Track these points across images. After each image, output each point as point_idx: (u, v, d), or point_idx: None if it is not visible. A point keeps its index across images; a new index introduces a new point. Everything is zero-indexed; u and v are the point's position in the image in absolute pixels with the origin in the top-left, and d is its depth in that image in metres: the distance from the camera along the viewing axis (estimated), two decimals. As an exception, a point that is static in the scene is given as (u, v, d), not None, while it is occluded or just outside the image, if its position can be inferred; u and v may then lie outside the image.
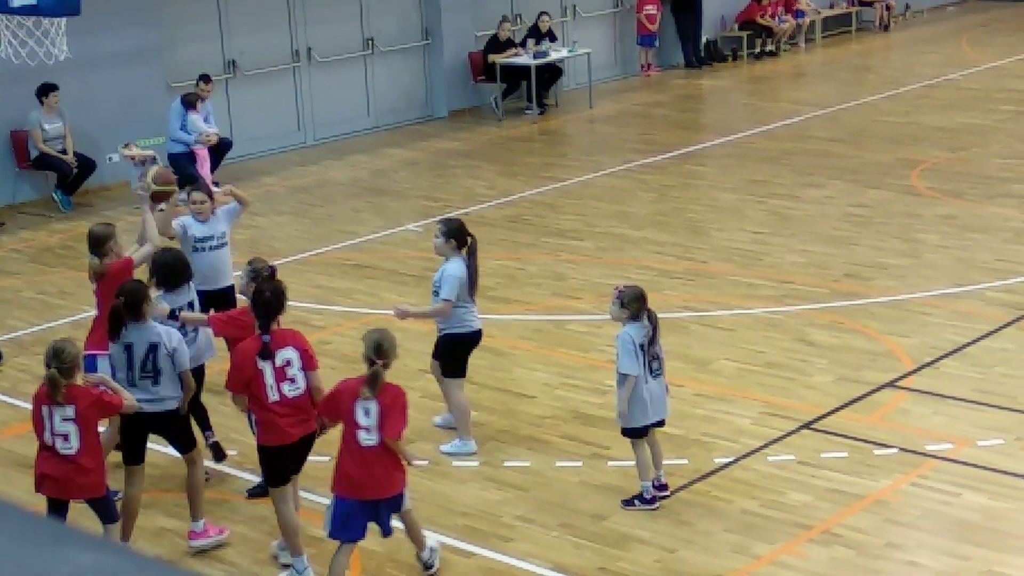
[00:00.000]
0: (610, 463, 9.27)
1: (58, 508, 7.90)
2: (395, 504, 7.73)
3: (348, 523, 7.60)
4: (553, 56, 21.16)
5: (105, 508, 8.01)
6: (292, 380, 7.95)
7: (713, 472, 9.06)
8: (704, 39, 24.71)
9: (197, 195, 10.23)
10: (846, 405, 10.02)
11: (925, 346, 11.05)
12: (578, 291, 12.88)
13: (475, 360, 11.22)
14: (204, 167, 17.11)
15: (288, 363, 7.94)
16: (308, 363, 8.06)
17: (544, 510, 8.69)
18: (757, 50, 25.08)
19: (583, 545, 8.27)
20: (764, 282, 12.80)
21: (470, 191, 16.78)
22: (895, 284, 12.61)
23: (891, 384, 10.34)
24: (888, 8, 27.46)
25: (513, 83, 21.27)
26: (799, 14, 25.88)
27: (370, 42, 20.41)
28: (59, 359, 7.66)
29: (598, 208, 15.71)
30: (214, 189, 11.37)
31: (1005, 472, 8.85)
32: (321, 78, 19.86)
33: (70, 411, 7.68)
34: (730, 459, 9.22)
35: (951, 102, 20.48)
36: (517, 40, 21.34)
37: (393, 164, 18.42)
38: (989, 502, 8.51)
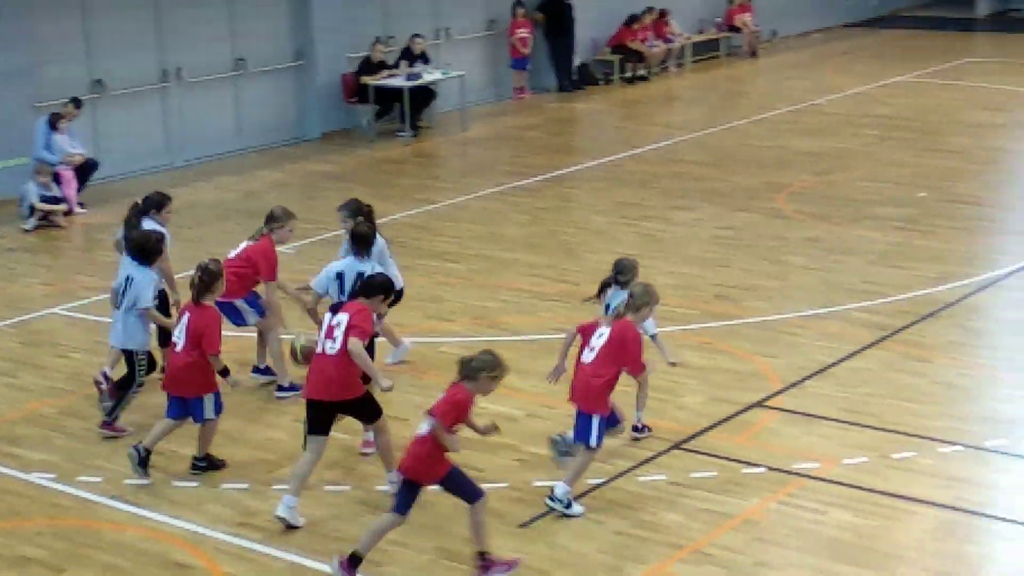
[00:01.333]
0: (483, 485, 9.22)
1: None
2: None
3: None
4: (426, 78, 21.15)
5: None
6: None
7: (585, 493, 9.08)
8: (576, 63, 24.91)
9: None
10: (716, 425, 10.13)
11: (792, 366, 11.23)
12: (452, 314, 12.85)
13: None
14: (70, 188, 16.79)
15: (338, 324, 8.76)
16: (352, 332, 8.70)
17: (418, 534, 8.63)
18: (629, 74, 25.35)
19: (456, 569, 8.24)
20: (636, 304, 12.86)
21: (343, 213, 16.65)
22: (764, 305, 12.80)
23: (760, 404, 10.48)
24: (755, 34, 27.95)
25: (386, 105, 21.21)
26: (670, 39, 26.22)
27: (241, 62, 20.21)
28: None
29: (471, 230, 15.72)
30: (77, 210, 11.21)
31: (870, 490, 9.01)
32: (190, 98, 19.60)
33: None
34: (602, 480, 9.25)
35: (817, 127, 20.89)
36: (390, 62, 21.30)
37: (264, 186, 18.23)
38: (856, 519, 8.65)
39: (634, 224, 15.72)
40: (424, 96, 21.45)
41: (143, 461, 9.50)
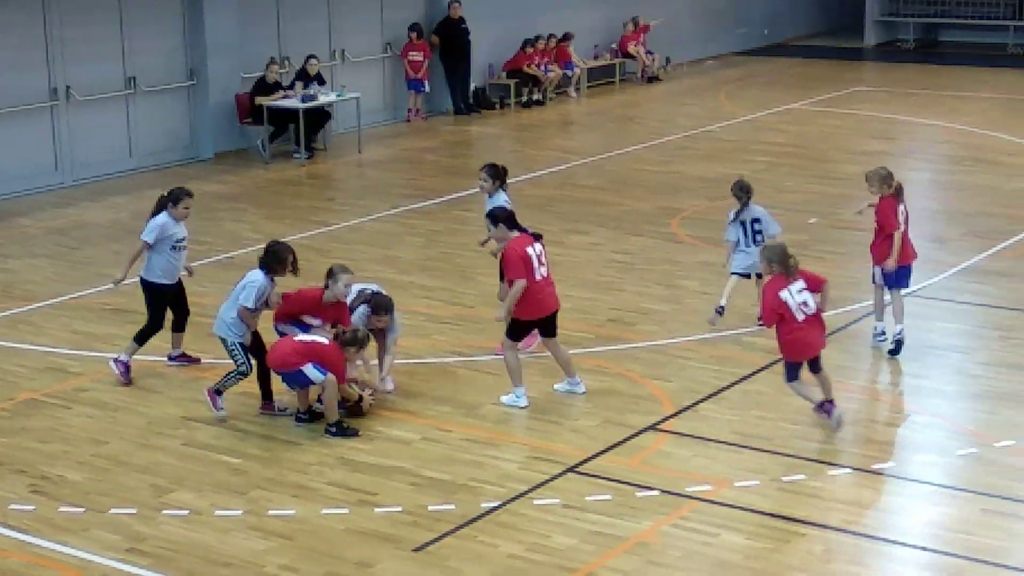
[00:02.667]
0: (376, 510, 9.19)
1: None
2: None
3: None
4: (322, 100, 21.06)
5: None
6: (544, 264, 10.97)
7: (480, 517, 9.07)
8: (473, 86, 24.97)
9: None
10: (610, 448, 10.18)
11: (685, 390, 11.32)
12: (345, 336, 12.75)
13: (240, 406, 11.04)
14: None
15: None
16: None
17: (309, 558, 8.56)
18: (525, 98, 25.47)
19: (349, 594, 8.17)
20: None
21: (235, 234, 16.51)
22: (657, 329, 12.89)
23: (653, 427, 10.55)
24: (649, 60, 28.24)
25: (281, 126, 21.07)
26: (567, 65, 26.40)
27: (132, 81, 19.95)
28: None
29: (366, 253, 15.65)
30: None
31: (761, 512, 9.11)
32: (80, 117, 19.30)
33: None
34: (496, 504, 9.25)
35: (710, 153, 21.14)
36: (285, 83, 21.17)
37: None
38: (746, 542, 8.73)
39: (529, 248, 15.74)
40: (319, 118, 21.35)
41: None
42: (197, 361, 12.03)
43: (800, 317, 10.17)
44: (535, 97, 25.58)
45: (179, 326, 12.01)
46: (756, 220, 12.76)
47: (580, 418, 10.78)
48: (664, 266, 14.99)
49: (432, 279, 14.55)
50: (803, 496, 9.37)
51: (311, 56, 21.44)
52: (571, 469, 9.81)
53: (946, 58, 31.40)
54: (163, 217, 11.63)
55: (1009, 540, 8.82)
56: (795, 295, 10.19)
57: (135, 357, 11.74)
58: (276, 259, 10.87)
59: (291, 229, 16.65)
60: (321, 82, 21.42)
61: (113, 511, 9.23)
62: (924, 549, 8.72)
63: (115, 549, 8.72)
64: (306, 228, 16.72)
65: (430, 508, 9.20)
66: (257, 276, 10.83)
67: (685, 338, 12.61)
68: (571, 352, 11.66)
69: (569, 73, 26.50)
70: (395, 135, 23.01)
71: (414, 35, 23.87)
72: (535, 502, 9.28)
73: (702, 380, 11.55)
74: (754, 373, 11.71)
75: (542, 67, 25.73)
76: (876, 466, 9.88)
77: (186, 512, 9.16)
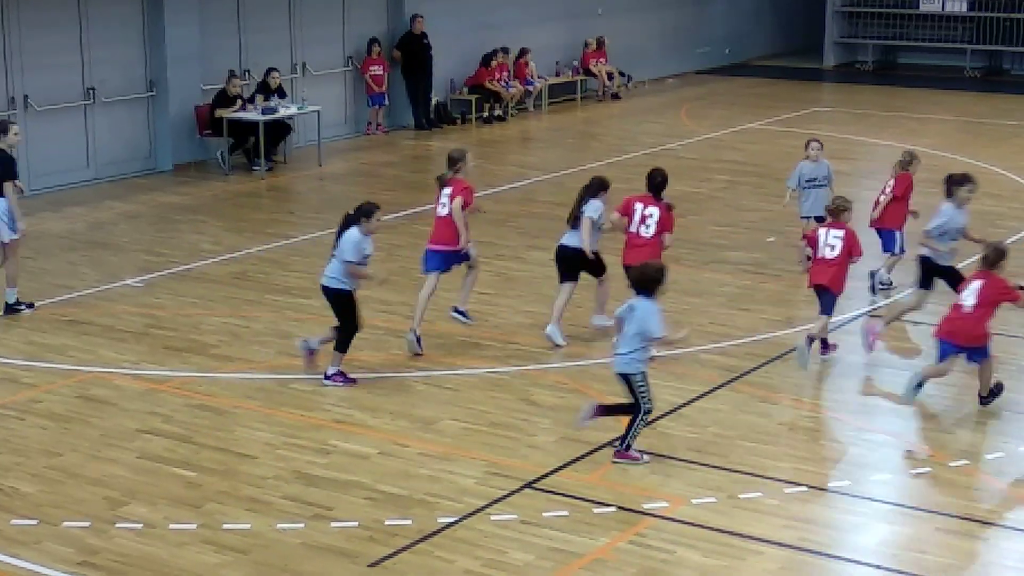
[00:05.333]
0: (332, 524, 9.14)
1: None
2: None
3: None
4: (282, 113, 21.00)
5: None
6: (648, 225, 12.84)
7: (436, 532, 9.04)
8: (434, 101, 24.97)
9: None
10: (567, 464, 10.17)
11: (644, 406, 11.31)
12: (303, 349, 12.71)
13: (195, 419, 10.99)
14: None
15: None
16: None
17: (264, 573, 8.50)
18: (486, 114, 25.49)
19: (303, 609, 8.12)
20: (490, 342, 12.91)
21: (194, 246, 16.43)
22: (616, 345, 12.88)
23: (611, 443, 10.54)
24: (611, 77, 28.33)
25: (241, 139, 20.99)
26: (528, 81, 26.45)
27: (91, 92, 19.83)
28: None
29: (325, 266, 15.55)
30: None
31: (718, 530, 9.12)
32: (38, 127, 19.15)
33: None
34: (453, 519, 9.22)
35: (670, 170, 20.96)
36: (246, 96, 21.09)
37: (113, 217, 17.89)
38: (703, 559, 8.74)
39: (489, 263, 15.74)
40: (280, 130, 21.29)
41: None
42: (354, 382, 11.79)
43: (820, 254, 12.19)
44: (496, 113, 25.61)
45: (335, 345, 11.79)
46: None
47: (538, 434, 10.77)
48: (623, 283, 14.98)
49: (392, 293, 14.51)
50: (759, 514, 9.39)
51: (272, 69, 21.38)
52: (528, 485, 9.79)
53: (904, 80, 31.66)
54: (357, 234, 11.67)
55: (962, 559, 8.87)
56: (827, 237, 12.20)
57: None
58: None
59: (250, 242, 16.58)
60: (282, 95, 21.37)
61: (66, 524, 9.14)
62: (878, 567, 8.75)
63: (67, 562, 8.63)
64: (266, 241, 16.66)
65: (386, 523, 9.16)
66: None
67: (643, 355, 12.60)
68: (530, 367, 11.63)
69: (530, 89, 26.55)
70: (356, 149, 22.98)
71: (375, 49, 23.86)
72: (492, 518, 9.26)
73: (660, 397, 11.53)
74: (712, 390, 11.74)
75: (504, 83, 25.77)
76: (832, 484, 9.91)
77: (140, 525, 9.09)
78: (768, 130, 24.96)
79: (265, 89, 21.13)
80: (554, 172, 20.98)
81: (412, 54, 24.29)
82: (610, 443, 10.53)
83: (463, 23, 25.62)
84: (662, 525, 9.19)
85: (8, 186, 13.63)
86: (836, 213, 12.36)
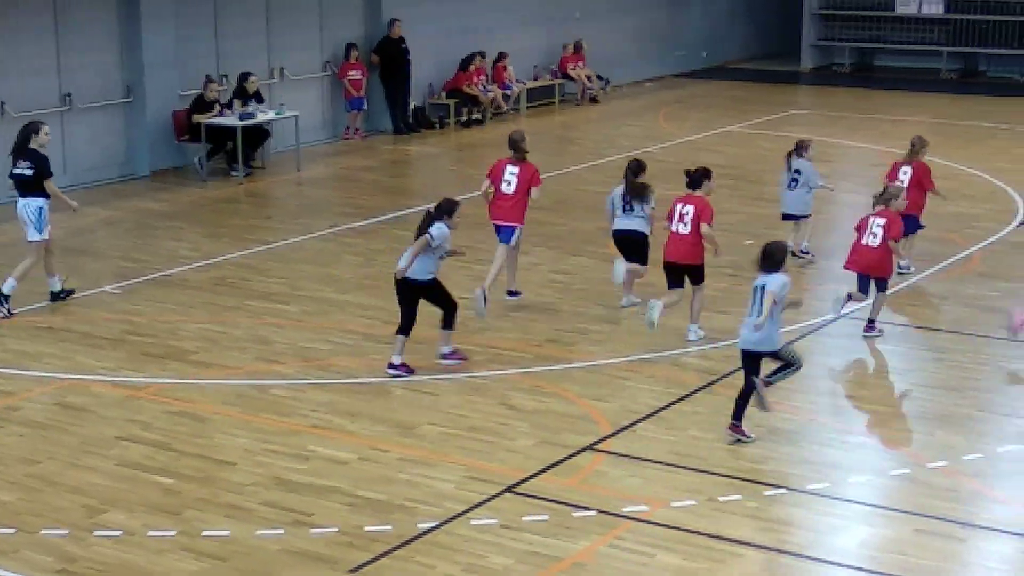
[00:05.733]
0: (312, 530, 9.13)
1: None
2: None
3: None
4: (260, 118, 20.96)
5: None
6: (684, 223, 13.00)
7: (416, 538, 9.03)
8: (412, 105, 24.95)
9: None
10: (547, 468, 10.17)
11: (623, 410, 11.34)
12: (282, 355, 12.70)
13: (174, 426, 10.97)
14: None
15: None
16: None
17: (243, 580, 8.48)
18: (464, 118, 25.49)
19: (283, 615, 8.10)
20: (470, 347, 12.90)
21: (173, 252, 16.38)
22: (595, 349, 12.92)
23: (590, 447, 10.56)
24: (589, 81, 28.36)
25: (219, 144, 20.95)
26: (506, 85, 26.46)
27: (68, 97, 19.77)
28: None
29: (304, 271, 15.58)
30: None
31: (697, 532, 9.13)
32: (14, 133, 19.01)
33: None
34: (433, 524, 9.21)
35: (649, 174, 21.05)
36: (223, 101, 21.05)
37: (91, 223, 17.82)
38: (682, 562, 8.75)
39: (468, 267, 15.73)
40: (258, 136, 21.25)
41: None
42: (466, 358, 12.46)
43: (864, 240, 13.27)
44: (475, 117, 25.61)
45: (448, 323, 12.36)
46: (796, 171, 15.92)
47: (517, 438, 10.77)
48: (603, 286, 15.01)
49: (370, 298, 14.50)
50: (739, 516, 9.41)
51: (249, 74, 21.34)
52: (508, 489, 9.79)
53: (881, 82, 31.78)
54: (446, 228, 12.13)
55: (942, 560, 8.90)
56: (872, 224, 13.27)
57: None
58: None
59: (229, 247, 16.55)
60: (259, 100, 21.33)
61: (44, 532, 9.11)
62: (859, 569, 8.78)
63: (46, 570, 8.59)
64: (244, 246, 16.62)
65: (366, 529, 9.15)
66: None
67: (623, 358, 12.64)
68: (509, 371, 11.64)
69: (508, 93, 26.57)
70: (334, 154, 22.95)
71: (353, 54, 23.85)
72: (472, 522, 9.26)
73: (639, 400, 11.58)
74: (691, 393, 11.76)
75: (482, 87, 25.77)
76: (811, 486, 9.94)
77: (118, 533, 9.06)
78: (745, 133, 25.02)
79: (242, 94, 21.08)
80: (533, 176, 20.94)
81: (390, 58, 24.28)
82: (589, 447, 10.55)
83: (441, 27, 25.61)
84: (641, 528, 9.20)
85: (49, 183, 14.17)
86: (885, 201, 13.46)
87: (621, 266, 13.91)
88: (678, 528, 9.17)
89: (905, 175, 15.35)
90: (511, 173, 14.31)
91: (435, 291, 12.24)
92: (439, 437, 10.79)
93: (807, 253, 16.02)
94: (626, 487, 9.87)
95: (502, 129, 25.59)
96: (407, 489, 9.78)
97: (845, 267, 13.62)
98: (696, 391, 11.81)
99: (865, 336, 13.29)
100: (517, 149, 14.52)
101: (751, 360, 10.69)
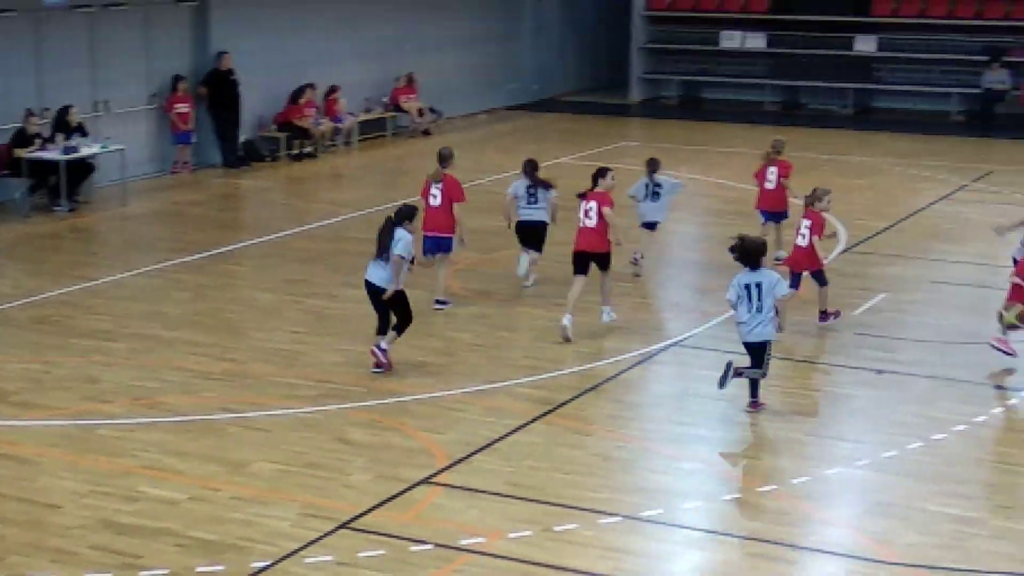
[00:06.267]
0: (141, 573, 8.89)
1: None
2: None
3: None
4: (84, 152, 20.49)
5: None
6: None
7: (250, 577, 8.87)
8: (242, 139, 24.68)
9: None
10: (383, 503, 10.08)
11: (459, 442, 11.32)
12: (110, 394, 12.38)
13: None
14: None
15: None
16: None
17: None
18: (296, 151, 25.29)
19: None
20: (303, 382, 12.76)
21: (-7, 290, 15.89)
22: (431, 381, 12.88)
23: (426, 480, 10.50)
24: (421, 113, 28.41)
25: (41, 178, 20.41)
26: (338, 118, 26.35)
27: None
28: None
29: (131, 308, 15.24)
30: None
31: (534, 563, 9.13)
32: None
33: None
34: (267, 563, 9.05)
35: (481, 206, 21.27)
36: (45, 134, 20.52)
37: (-93, 261, 17.20)
38: (520, 593, 8.74)
39: (301, 301, 15.61)
40: (82, 170, 20.77)
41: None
42: (390, 367, 13.03)
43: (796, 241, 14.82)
44: (306, 150, 25.43)
45: (394, 326, 13.09)
46: (658, 184, 17.08)
47: (353, 473, 10.67)
48: (437, 318, 15.01)
49: (200, 334, 14.25)
50: (575, 545, 9.45)
51: (69, 106, 20.84)
52: (344, 525, 9.68)
53: (708, 114, 32.47)
54: (407, 233, 12.86)
55: (773, 582, 9.06)
56: (801, 226, 14.73)
57: None
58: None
59: (51, 284, 16.11)
60: (84, 133, 20.86)
61: None
62: (693, 594, 8.88)
63: None
64: (67, 283, 16.20)
65: (198, 570, 8.95)
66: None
67: (459, 390, 12.63)
68: (345, 405, 11.53)
69: (340, 126, 26.46)
70: (162, 188, 22.56)
71: (181, 86, 23.50)
72: (306, 560, 9.12)
73: (475, 432, 11.57)
74: (526, 424, 11.79)
75: (313, 120, 25.61)
76: (645, 513, 10.03)
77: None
78: (576, 164, 25.26)
79: (64, 127, 20.59)
80: (366, 209, 20.89)
81: (219, 91, 23.98)
82: (425, 480, 10.50)
83: (271, 59, 25.40)
84: (479, 560, 9.17)
85: None
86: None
87: (525, 259, 15.85)
88: (516, 559, 9.16)
89: (772, 175, 17.45)
90: (436, 187, 15.57)
91: (401, 301, 13.00)
92: (273, 474, 10.62)
93: (638, 261, 17.04)
94: (463, 520, 9.83)
95: (334, 162, 25.54)
96: (240, 528, 9.60)
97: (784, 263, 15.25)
98: (532, 421, 11.85)
99: (821, 325, 14.65)
100: (443, 163, 15.79)
101: (756, 349, 12.08)
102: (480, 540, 9.45)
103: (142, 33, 23.25)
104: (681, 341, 14.23)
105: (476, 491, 10.33)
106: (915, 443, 11.48)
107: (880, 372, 13.21)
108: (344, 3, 27.29)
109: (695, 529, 9.90)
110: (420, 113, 28.46)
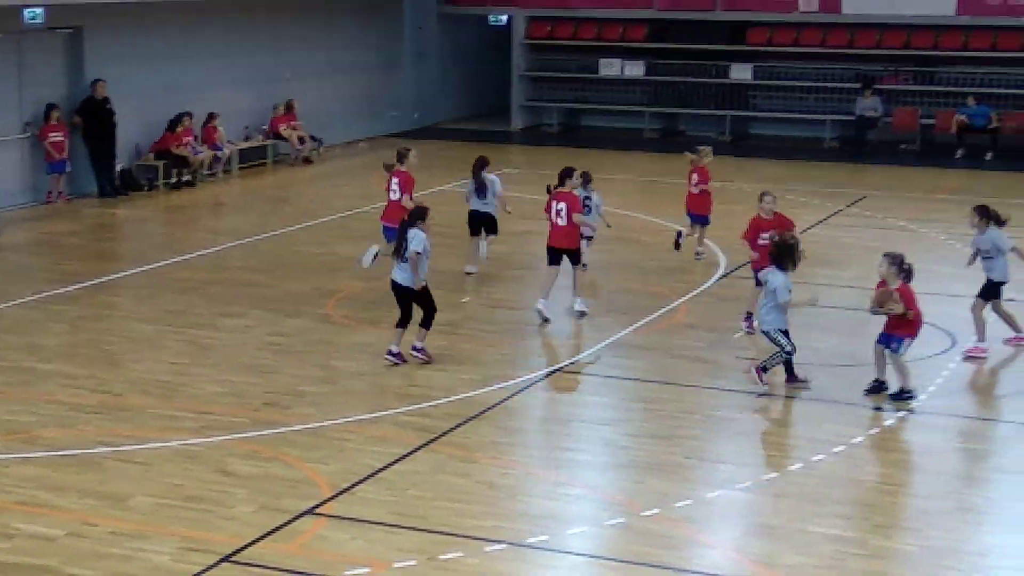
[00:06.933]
0: (17, 613, 8.68)
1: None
2: None
3: None
4: (-45, 181, 20.04)
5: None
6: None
7: (129, 614, 8.69)
8: (119, 167, 24.31)
9: None
10: (266, 535, 9.97)
11: (343, 472, 11.23)
12: (-18, 429, 12.08)
13: None
14: None
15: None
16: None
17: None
18: (174, 180, 24.98)
19: None
20: (183, 413, 12.58)
21: None
22: (313, 411, 12.77)
23: (310, 511, 10.40)
24: (302, 141, 28.25)
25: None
26: (217, 146, 26.08)
27: None
28: None
29: (5, 340, 14.90)
30: None
31: (420, 592, 9.09)
32: None
33: None
34: (147, 599, 8.89)
35: (365, 234, 21.18)
36: (-85, 163, 20.03)
37: None
38: (406, 623, 8.69)
39: (181, 331, 15.39)
40: (-47, 200, 20.31)
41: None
42: (431, 360, 14.04)
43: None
44: (185, 178, 25.12)
45: (420, 322, 14.07)
46: (588, 197, 17.56)
47: (235, 505, 10.52)
48: (320, 347, 14.90)
49: (77, 367, 13.98)
50: (461, 573, 9.42)
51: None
52: (226, 558, 9.54)
53: (588, 141, 32.67)
54: (422, 232, 13.76)
55: (658, 606, 9.11)
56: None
57: None
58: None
59: (-78, 317, 15.70)
60: (-46, 163, 20.40)
61: None
62: (579, 620, 8.89)
63: None
64: (-62, 316, 15.80)
65: (76, 608, 8.76)
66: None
67: (343, 419, 12.54)
68: (226, 436, 11.38)
69: (219, 154, 26.19)
70: (36, 218, 22.13)
71: (54, 115, 23.09)
72: (188, 595, 8.98)
73: (359, 461, 11.50)
74: (411, 452, 11.74)
75: (191, 148, 25.32)
76: (530, 540, 10.04)
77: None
78: (459, 193, 25.27)
79: (-66, 157, 20.12)
80: (247, 237, 20.70)
81: (94, 119, 23.59)
82: (309, 511, 10.40)
83: (147, 87, 25.06)
84: (364, 591, 9.10)
85: None
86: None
87: (483, 244, 17.94)
88: (401, 589, 9.11)
89: (695, 180, 19.02)
90: (395, 182, 17.39)
91: (423, 295, 13.99)
92: (153, 508, 10.44)
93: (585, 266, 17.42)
94: (348, 550, 9.75)
95: (214, 191, 25.26)
96: (120, 564, 9.42)
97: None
98: (416, 450, 11.81)
99: (747, 331, 15.38)
100: (398, 159, 17.69)
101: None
102: (365, 570, 9.38)
103: (15, 60, 22.82)
104: (564, 367, 14.28)
105: (361, 521, 10.26)
106: (795, 465, 11.65)
107: (760, 395, 13.39)
108: (222, 30, 27.06)
109: (580, 555, 9.94)
110: (301, 141, 28.30)
